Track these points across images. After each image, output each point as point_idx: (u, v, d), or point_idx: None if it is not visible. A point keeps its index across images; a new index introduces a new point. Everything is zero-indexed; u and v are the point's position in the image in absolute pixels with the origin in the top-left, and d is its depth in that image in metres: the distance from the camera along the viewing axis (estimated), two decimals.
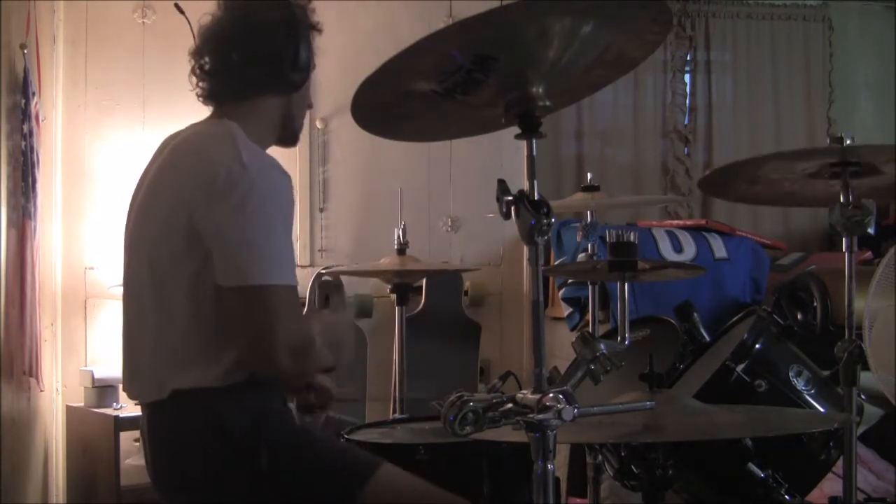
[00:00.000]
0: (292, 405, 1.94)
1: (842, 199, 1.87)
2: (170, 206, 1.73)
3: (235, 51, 1.80)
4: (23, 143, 2.83)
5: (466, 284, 4.16)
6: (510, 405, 1.26)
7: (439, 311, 4.00)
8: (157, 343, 1.75)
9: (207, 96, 1.86)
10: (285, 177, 1.74)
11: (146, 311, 1.77)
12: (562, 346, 3.54)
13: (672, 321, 2.54)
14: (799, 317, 3.59)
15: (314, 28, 1.87)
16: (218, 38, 1.81)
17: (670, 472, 1.81)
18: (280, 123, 1.89)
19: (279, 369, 1.68)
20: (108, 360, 3.53)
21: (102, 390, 3.40)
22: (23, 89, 2.85)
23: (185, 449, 1.73)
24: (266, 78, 1.82)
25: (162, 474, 1.79)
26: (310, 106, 1.97)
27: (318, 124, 4.03)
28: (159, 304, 1.74)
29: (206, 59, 1.83)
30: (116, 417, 3.26)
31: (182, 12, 1.87)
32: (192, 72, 1.86)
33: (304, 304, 2.79)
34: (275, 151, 1.87)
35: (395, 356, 2.83)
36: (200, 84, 1.85)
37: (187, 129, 1.87)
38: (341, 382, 1.96)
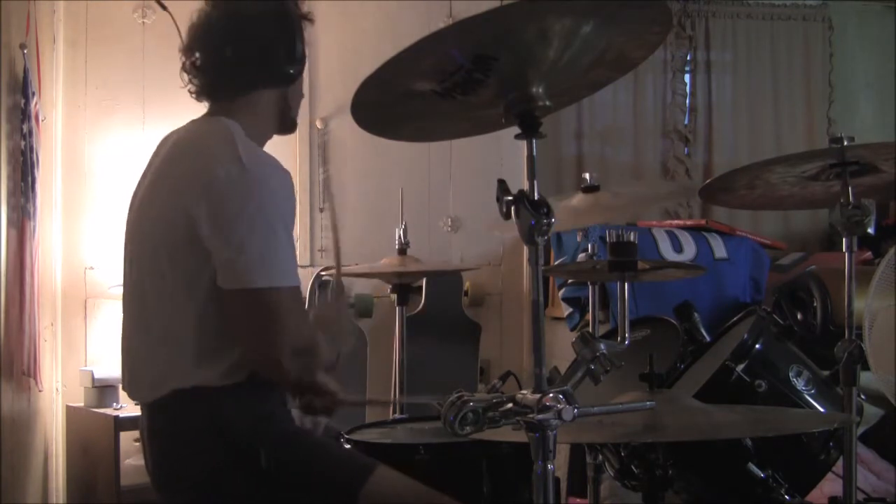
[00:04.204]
0: (295, 410, 1.94)
1: (842, 199, 1.86)
2: (169, 206, 1.73)
3: (228, 46, 1.78)
4: (23, 143, 2.82)
5: (466, 284, 4.16)
6: (510, 405, 1.26)
7: (439, 311, 4.00)
8: (157, 342, 1.76)
9: (201, 93, 1.84)
10: (285, 175, 1.74)
11: (146, 310, 1.77)
12: (562, 346, 3.53)
13: (672, 321, 2.54)
14: (799, 317, 3.60)
15: (305, 18, 1.85)
16: (209, 33, 1.79)
17: (670, 472, 1.81)
18: (277, 116, 1.88)
19: (284, 371, 1.70)
20: (108, 360, 3.53)
21: (102, 390, 3.40)
22: (23, 89, 2.85)
23: (185, 449, 1.73)
24: (261, 72, 1.80)
25: (161, 474, 1.79)
26: (301, 95, 1.95)
27: (318, 124, 4.02)
28: (159, 304, 1.75)
29: (198, 55, 1.80)
30: (116, 417, 3.26)
31: (165, 8, 1.83)
32: (184, 69, 1.83)
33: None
34: (275, 152, 1.87)
35: (395, 356, 2.82)
36: (193, 81, 1.83)
37: (185, 126, 1.86)
38: (346, 387, 1.94)
